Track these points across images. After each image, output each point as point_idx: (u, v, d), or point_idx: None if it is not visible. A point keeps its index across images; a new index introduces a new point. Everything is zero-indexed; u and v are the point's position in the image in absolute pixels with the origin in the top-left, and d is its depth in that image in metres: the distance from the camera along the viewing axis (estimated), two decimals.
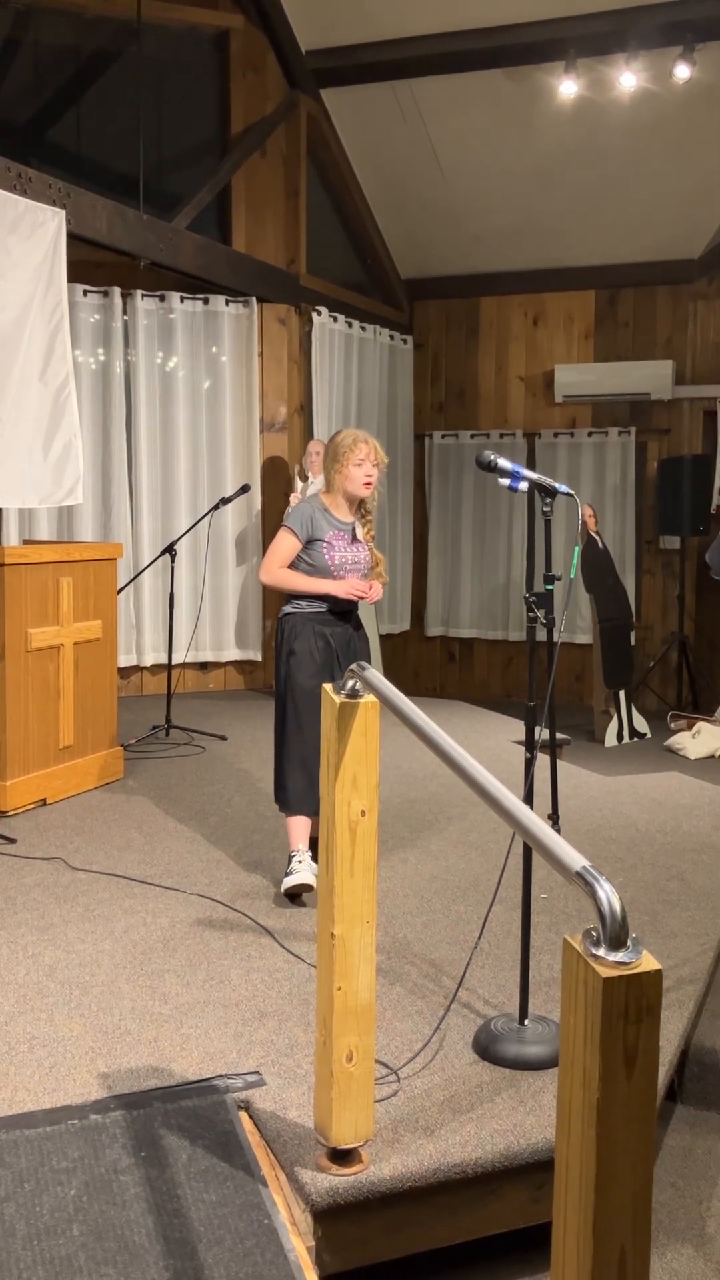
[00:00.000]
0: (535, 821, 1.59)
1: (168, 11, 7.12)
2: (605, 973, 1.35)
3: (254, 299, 7.49)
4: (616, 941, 1.37)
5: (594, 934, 1.39)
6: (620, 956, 1.37)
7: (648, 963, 1.37)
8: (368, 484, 3.76)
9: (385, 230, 8.72)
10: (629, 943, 1.38)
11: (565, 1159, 1.45)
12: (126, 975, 3.16)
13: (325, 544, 3.76)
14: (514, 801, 1.64)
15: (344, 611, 3.83)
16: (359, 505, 3.84)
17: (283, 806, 3.84)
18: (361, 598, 3.77)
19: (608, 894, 1.39)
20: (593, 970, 1.36)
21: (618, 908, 1.38)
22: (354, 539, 3.82)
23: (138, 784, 5.24)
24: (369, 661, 3.75)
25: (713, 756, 6.75)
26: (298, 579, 3.76)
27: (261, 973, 3.19)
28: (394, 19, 7.06)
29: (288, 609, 3.82)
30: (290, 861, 3.76)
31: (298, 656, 3.75)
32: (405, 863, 4.21)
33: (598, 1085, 1.36)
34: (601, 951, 1.37)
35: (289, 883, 3.68)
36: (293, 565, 3.79)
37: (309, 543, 3.76)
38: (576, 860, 1.46)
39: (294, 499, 7.17)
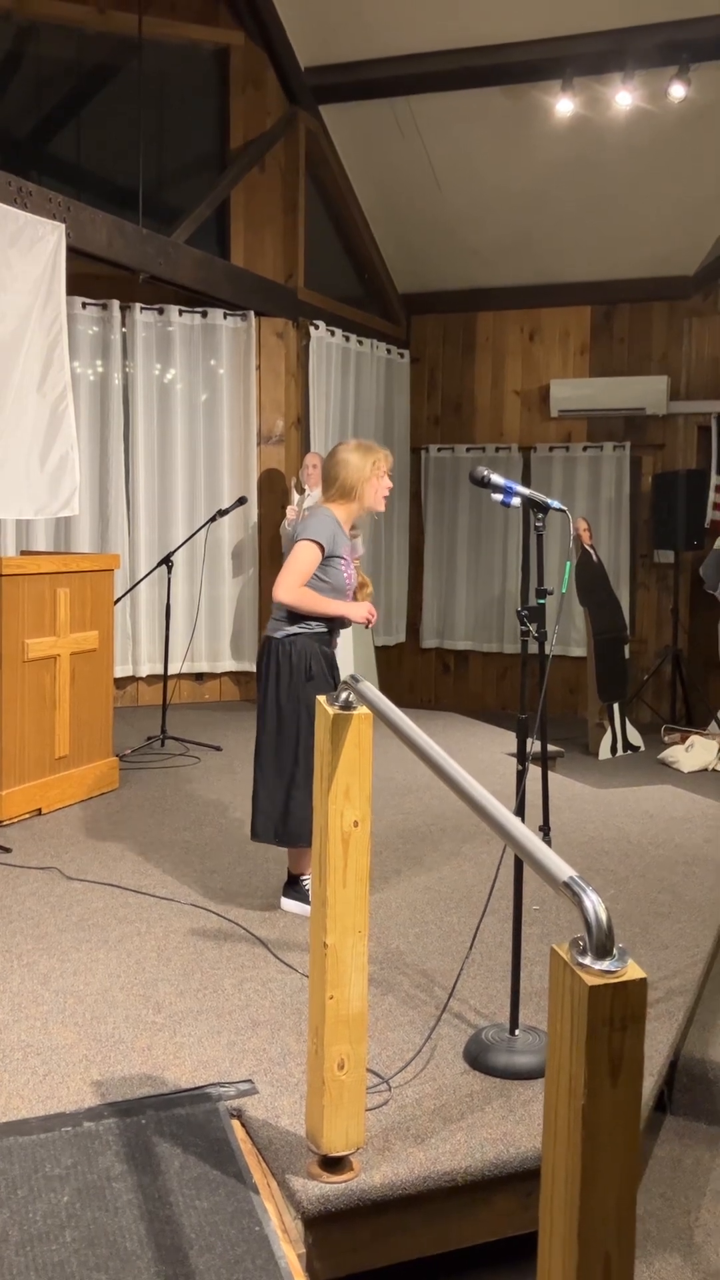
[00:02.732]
0: (524, 832, 1.61)
1: (168, 28, 7.19)
2: (591, 981, 1.37)
3: (252, 313, 7.54)
4: (602, 950, 1.40)
5: (581, 943, 1.42)
6: (606, 965, 1.39)
7: (633, 971, 1.40)
8: (387, 496, 3.68)
9: (383, 245, 8.78)
10: (615, 952, 1.41)
11: (551, 1165, 1.47)
12: (120, 984, 3.18)
13: (343, 560, 3.62)
14: (503, 813, 1.66)
15: (336, 631, 3.73)
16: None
17: (305, 840, 3.59)
18: (370, 622, 3.67)
19: (594, 903, 1.42)
20: (579, 978, 1.38)
21: (604, 917, 1.41)
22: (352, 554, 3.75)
23: (133, 794, 5.26)
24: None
25: (705, 770, 6.78)
26: (322, 600, 3.56)
27: (254, 982, 3.21)
28: (393, 36, 7.13)
29: (294, 630, 3.60)
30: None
31: (316, 681, 3.58)
32: (398, 874, 4.23)
33: (583, 1092, 1.39)
34: (588, 960, 1.40)
35: None
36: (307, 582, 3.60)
37: (328, 559, 3.57)
38: (564, 870, 1.49)
39: (290, 511, 7.21)
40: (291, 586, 3.52)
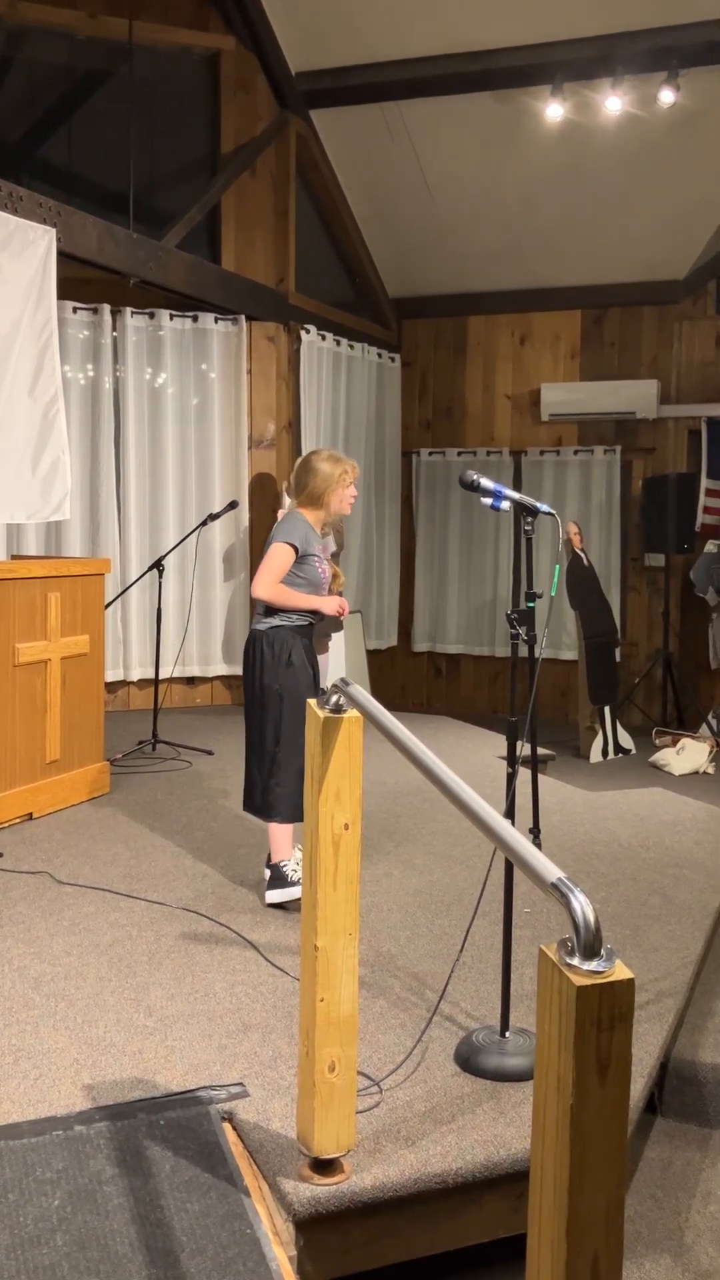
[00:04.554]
0: (513, 834, 1.62)
1: (159, 33, 7.20)
2: (579, 981, 1.38)
3: (243, 317, 7.55)
4: (590, 951, 1.41)
5: (569, 944, 1.42)
6: (594, 965, 1.40)
7: (620, 972, 1.41)
8: (352, 502, 3.98)
9: (374, 249, 8.80)
10: (603, 952, 1.41)
11: (540, 1164, 1.48)
12: (112, 988, 3.18)
13: (316, 558, 3.89)
14: (492, 815, 1.67)
15: (313, 624, 3.96)
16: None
17: (282, 817, 3.84)
18: (342, 614, 3.92)
19: (582, 904, 1.43)
20: (567, 979, 1.39)
21: (591, 918, 1.42)
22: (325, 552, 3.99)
23: (124, 798, 5.26)
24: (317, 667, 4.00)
25: (696, 773, 6.80)
26: (295, 595, 3.84)
27: (246, 985, 3.22)
28: (383, 42, 7.15)
29: (276, 622, 3.86)
30: (295, 870, 3.84)
31: (294, 668, 3.83)
32: (389, 876, 4.24)
33: (571, 1091, 1.39)
34: (576, 960, 1.41)
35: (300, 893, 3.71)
36: (284, 579, 3.86)
37: (302, 557, 3.84)
38: (552, 872, 1.50)
39: (282, 515, 7.22)
40: (268, 583, 3.81)
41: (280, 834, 3.88)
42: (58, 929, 3.62)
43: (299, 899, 3.76)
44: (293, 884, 3.81)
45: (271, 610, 3.86)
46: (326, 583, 3.93)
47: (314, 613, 3.89)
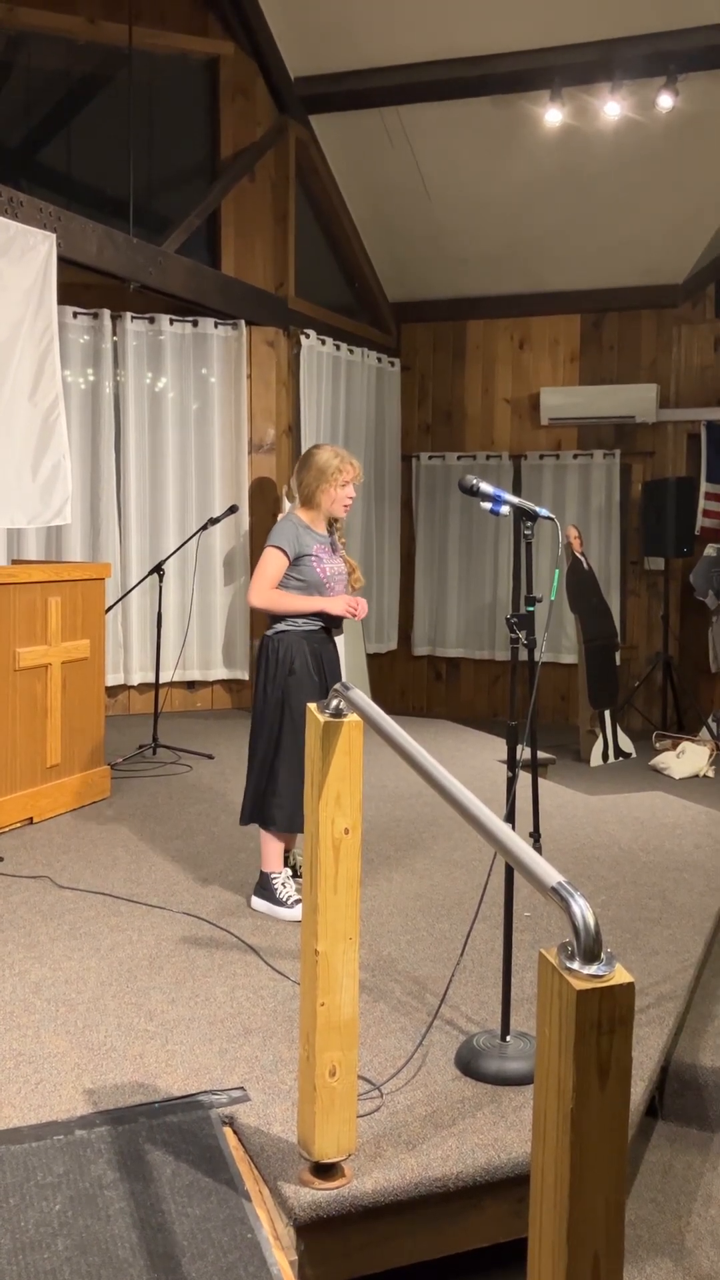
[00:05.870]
0: (513, 838, 1.63)
1: (158, 38, 7.21)
2: (579, 985, 1.38)
3: (243, 322, 7.56)
4: (590, 955, 1.41)
5: (569, 948, 1.43)
6: (594, 969, 1.40)
7: (620, 975, 1.41)
8: (348, 505, 3.87)
9: (373, 254, 8.81)
10: (603, 956, 1.42)
11: (541, 1168, 1.48)
12: (112, 992, 3.19)
13: (314, 558, 3.78)
14: (492, 819, 1.68)
15: (330, 628, 3.87)
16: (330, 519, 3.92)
17: (275, 825, 3.79)
18: (354, 614, 3.79)
19: (581, 909, 1.43)
20: (567, 983, 1.39)
21: (591, 922, 1.42)
22: (333, 550, 3.88)
23: (124, 803, 5.26)
24: (341, 675, 3.90)
25: (697, 776, 6.80)
26: (292, 599, 3.75)
27: (246, 990, 3.22)
28: (382, 47, 7.17)
29: (281, 627, 3.78)
30: (289, 885, 3.84)
31: (298, 676, 3.74)
32: (390, 881, 4.24)
33: (572, 1095, 1.40)
34: (576, 965, 1.41)
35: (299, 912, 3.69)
36: (281, 584, 3.78)
37: (298, 558, 3.76)
38: (552, 876, 1.50)
39: (280, 519, 7.22)
40: (260, 590, 3.74)
41: (271, 844, 3.85)
42: (58, 933, 3.62)
43: (282, 920, 3.78)
44: (280, 903, 3.79)
45: (278, 616, 3.79)
46: (329, 582, 3.81)
47: (321, 614, 3.80)
